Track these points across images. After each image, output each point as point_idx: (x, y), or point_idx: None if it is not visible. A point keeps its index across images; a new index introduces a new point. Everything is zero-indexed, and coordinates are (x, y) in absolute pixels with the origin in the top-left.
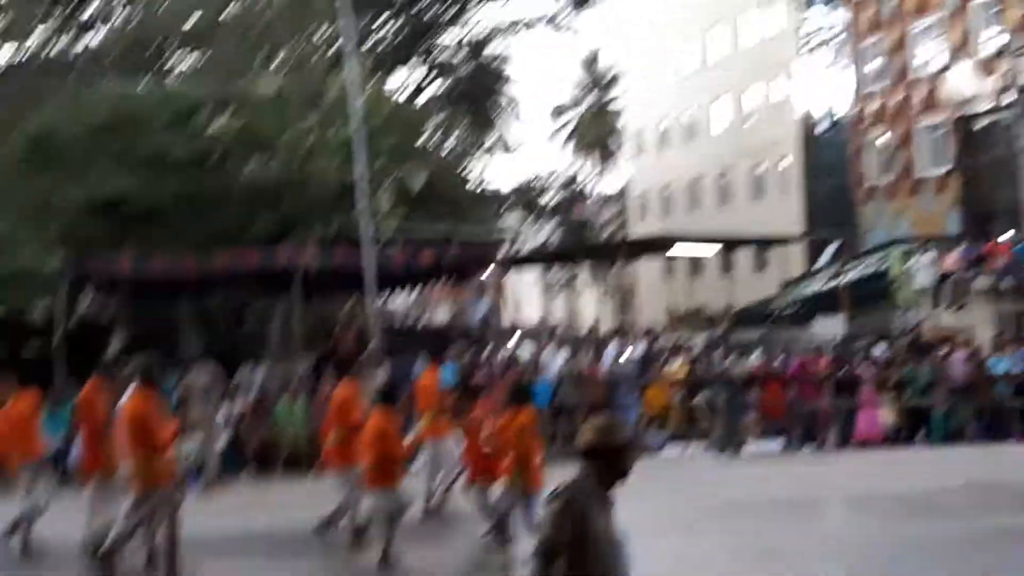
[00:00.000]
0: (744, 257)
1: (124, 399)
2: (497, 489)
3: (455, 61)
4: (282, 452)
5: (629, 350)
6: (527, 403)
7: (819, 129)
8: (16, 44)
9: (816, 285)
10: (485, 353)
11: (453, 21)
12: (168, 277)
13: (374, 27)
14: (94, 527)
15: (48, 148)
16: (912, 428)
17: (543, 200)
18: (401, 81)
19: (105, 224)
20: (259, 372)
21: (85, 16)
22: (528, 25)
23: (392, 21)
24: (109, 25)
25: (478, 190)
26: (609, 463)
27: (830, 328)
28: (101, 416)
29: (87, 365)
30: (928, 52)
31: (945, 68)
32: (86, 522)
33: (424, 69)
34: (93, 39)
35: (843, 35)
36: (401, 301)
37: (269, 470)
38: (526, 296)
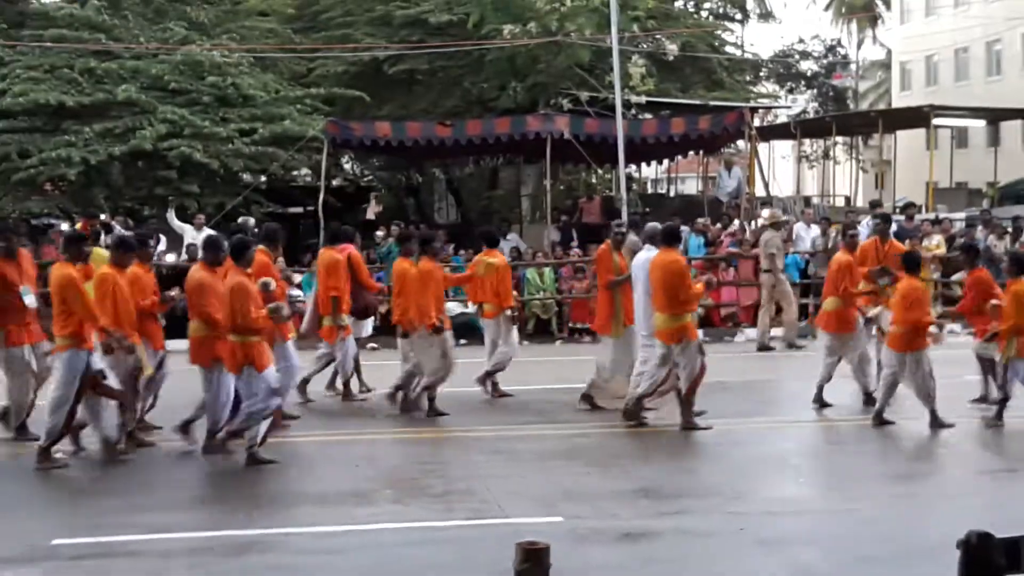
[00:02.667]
0: (1012, 130)
1: (647, 256)
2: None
3: None
4: (529, 317)
5: None
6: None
7: None
8: None
9: None
10: (735, 224)
11: None
12: (423, 143)
13: None
14: (603, 376)
15: (312, 11)
16: None
17: (801, 68)
18: None
19: (365, 89)
20: (510, 238)
21: None
22: None
23: None
24: None
25: (734, 57)
26: None
27: None
28: (610, 273)
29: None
30: None
31: None
32: (598, 371)
33: None
34: None
35: None
36: (651, 170)
37: None
38: (779, 167)
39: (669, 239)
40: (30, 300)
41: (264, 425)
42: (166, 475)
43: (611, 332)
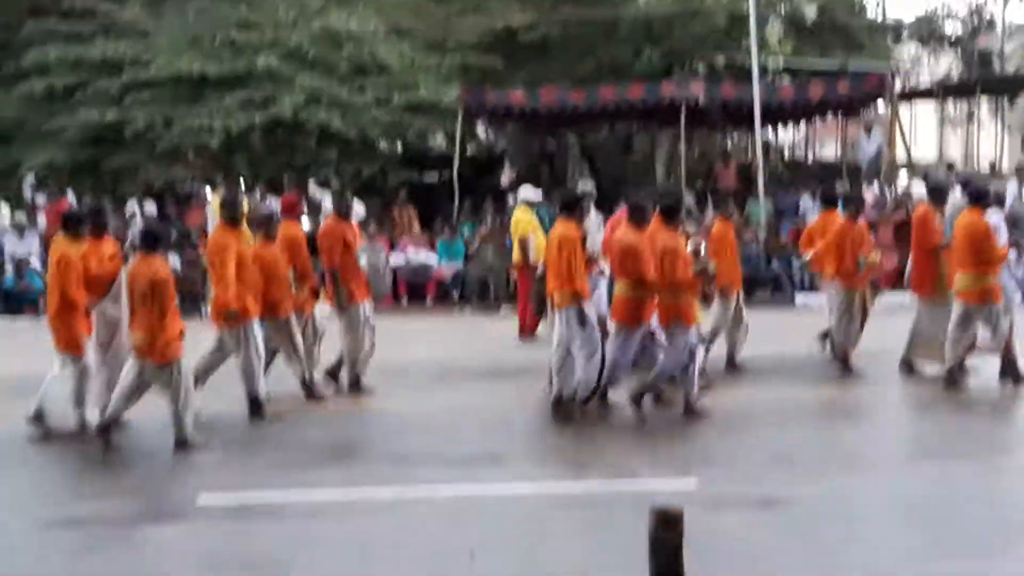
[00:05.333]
0: None
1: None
2: None
3: None
4: None
5: None
6: None
7: None
8: None
9: None
10: (875, 190)
11: None
12: (557, 109)
13: None
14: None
15: None
16: None
17: (943, 30)
18: None
19: (499, 56)
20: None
21: None
22: None
23: None
24: None
25: (874, 20)
26: None
27: None
28: (935, 234)
29: (480, 194)
30: None
31: None
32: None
33: None
34: None
35: None
36: (788, 135)
37: None
38: (921, 131)
39: (977, 199)
40: (364, 262)
41: (695, 378)
42: (317, 432)
43: (931, 294)
